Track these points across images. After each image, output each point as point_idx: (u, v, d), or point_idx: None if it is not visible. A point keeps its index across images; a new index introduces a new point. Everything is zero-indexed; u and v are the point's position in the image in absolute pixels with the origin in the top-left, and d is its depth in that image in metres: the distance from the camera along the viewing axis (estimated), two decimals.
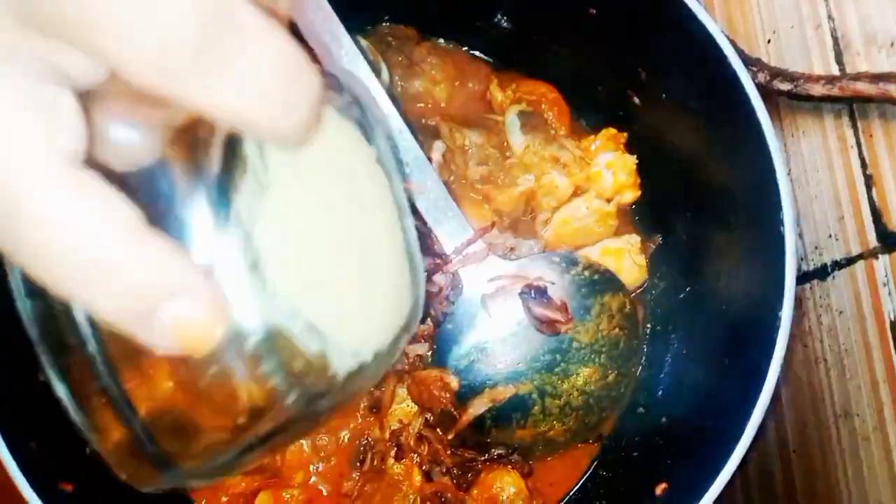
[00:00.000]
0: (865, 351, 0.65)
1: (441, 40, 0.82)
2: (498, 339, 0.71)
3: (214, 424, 0.28)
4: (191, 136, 0.26)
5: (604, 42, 0.73)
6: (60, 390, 0.26)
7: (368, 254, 0.31)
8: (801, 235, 0.72)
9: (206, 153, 0.25)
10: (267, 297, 0.25)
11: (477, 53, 0.83)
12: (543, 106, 0.80)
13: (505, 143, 0.78)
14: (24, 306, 0.26)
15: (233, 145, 0.26)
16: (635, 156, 0.76)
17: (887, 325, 0.63)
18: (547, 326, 0.70)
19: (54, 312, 0.25)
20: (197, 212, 0.25)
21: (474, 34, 0.81)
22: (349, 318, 0.29)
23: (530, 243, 0.74)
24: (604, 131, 0.78)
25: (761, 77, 0.67)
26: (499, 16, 0.78)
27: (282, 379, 0.27)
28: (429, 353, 0.72)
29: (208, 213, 0.25)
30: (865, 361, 0.65)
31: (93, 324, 0.25)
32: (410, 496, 0.70)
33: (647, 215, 0.79)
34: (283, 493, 0.70)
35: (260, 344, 0.26)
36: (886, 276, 0.63)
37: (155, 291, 0.23)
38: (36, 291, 0.25)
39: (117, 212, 0.22)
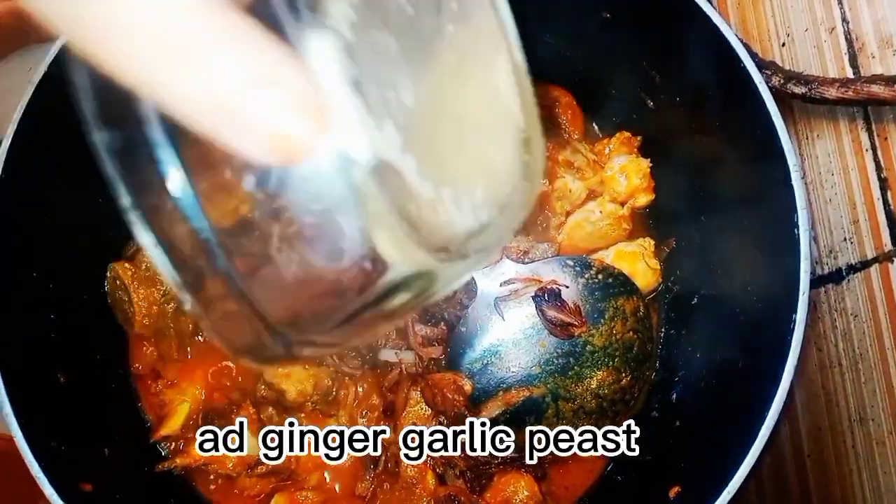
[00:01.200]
0: (880, 355, 0.65)
1: None
2: (511, 343, 0.71)
3: (319, 272, 0.24)
4: None
5: (617, 46, 0.73)
6: (144, 237, 0.23)
7: (482, 114, 0.28)
8: (815, 239, 0.72)
9: None
10: (373, 121, 0.22)
11: None
12: (557, 110, 0.80)
13: None
14: (100, 138, 0.23)
15: None
16: (649, 159, 0.76)
17: None
18: (560, 330, 0.70)
19: (134, 144, 0.23)
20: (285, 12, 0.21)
21: None
22: (460, 171, 0.26)
23: (544, 247, 0.74)
24: (617, 135, 0.78)
25: (775, 80, 0.66)
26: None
27: (396, 219, 0.23)
28: (442, 357, 0.72)
29: (298, 14, 0.21)
30: (880, 365, 0.65)
31: (176, 148, 0.22)
32: (424, 499, 0.71)
33: (661, 219, 0.79)
34: (298, 495, 0.71)
35: (369, 175, 0.22)
36: None
37: (244, 77, 0.20)
38: (114, 117, 0.22)
39: None
